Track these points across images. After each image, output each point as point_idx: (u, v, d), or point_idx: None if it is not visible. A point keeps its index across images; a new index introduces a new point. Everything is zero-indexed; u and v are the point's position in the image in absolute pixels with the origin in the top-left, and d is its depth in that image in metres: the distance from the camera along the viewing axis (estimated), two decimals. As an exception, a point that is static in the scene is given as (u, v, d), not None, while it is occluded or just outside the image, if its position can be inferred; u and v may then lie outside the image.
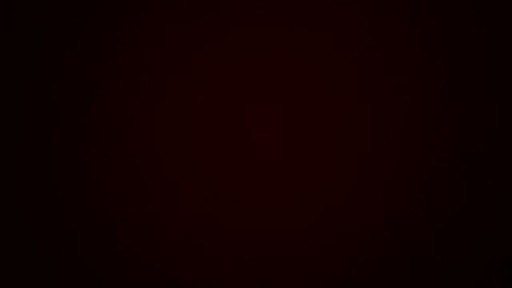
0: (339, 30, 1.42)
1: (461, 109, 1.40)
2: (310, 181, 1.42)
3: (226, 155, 1.43)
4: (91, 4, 1.45)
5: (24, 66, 1.46)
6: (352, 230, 1.40)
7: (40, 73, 1.45)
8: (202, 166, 1.43)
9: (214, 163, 1.43)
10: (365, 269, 1.40)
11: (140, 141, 1.44)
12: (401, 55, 1.41)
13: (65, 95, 1.45)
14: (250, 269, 1.42)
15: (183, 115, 1.44)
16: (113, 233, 1.43)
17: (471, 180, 1.39)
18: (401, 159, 1.41)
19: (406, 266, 1.40)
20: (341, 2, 1.42)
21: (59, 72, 1.46)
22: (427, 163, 1.40)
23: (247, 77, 1.43)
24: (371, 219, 1.40)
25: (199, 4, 1.44)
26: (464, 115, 1.40)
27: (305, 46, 1.42)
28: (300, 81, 1.42)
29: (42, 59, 1.46)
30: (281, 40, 1.43)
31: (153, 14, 1.45)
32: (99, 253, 1.44)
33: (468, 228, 1.39)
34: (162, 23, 1.44)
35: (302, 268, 1.41)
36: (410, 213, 1.40)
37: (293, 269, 1.41)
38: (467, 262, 1.39)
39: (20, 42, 1.46)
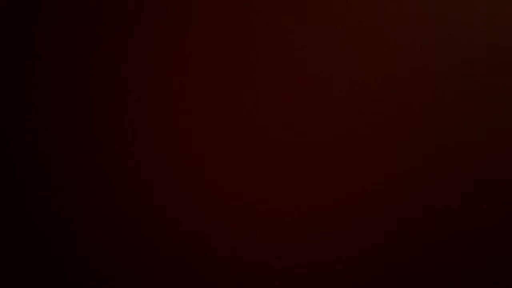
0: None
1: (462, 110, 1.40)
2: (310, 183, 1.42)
3: (233, 155, 1.43)
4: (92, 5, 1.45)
5: (24, 65, 1.46)
6: (354, 230, 1.40)
7: (41, 71, 1.45)
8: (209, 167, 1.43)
9: (219, 165, 1.43)
10: (366, 267, 1.40)
11: (142, 140, 1.44)
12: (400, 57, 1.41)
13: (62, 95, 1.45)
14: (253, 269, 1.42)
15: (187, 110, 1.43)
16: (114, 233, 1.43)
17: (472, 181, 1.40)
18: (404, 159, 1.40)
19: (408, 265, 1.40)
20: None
21: (59, 70, 1.45)
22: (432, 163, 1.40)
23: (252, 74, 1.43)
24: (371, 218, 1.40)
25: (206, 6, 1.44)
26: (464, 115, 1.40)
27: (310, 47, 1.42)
28: (304, 85, 1.42)
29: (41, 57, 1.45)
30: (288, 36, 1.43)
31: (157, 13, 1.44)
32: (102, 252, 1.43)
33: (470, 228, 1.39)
34: (165, 22, 1.44)
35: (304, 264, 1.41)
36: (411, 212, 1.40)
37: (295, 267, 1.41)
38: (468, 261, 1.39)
39: (20, 42, 1.46)
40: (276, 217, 1.41)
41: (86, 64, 1.44)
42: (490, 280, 1.38)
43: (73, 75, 1.44)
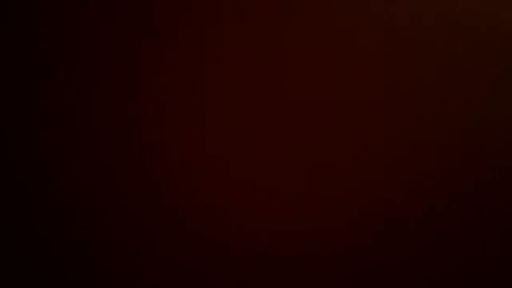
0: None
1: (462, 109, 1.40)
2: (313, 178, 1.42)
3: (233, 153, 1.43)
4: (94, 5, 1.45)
5: (26, 65, 1.46)
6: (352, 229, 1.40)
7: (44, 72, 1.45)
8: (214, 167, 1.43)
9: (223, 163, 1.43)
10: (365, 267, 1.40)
11: (148, 138, 1.44)
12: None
13: (65, 95, 1.45)
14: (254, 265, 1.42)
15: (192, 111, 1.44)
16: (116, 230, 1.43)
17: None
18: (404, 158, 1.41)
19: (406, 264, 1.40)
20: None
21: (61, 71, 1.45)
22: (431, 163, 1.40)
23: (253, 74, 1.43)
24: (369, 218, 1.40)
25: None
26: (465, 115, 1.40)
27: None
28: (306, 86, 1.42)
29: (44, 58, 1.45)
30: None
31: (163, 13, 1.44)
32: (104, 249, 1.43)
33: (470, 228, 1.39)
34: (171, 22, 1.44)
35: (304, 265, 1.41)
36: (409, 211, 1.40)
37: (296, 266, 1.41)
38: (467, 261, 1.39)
39: (21, 42, 1.46)
40: (276, 217, 1.41)
41: (89, 63, 1.44)
42: (490, 280, 1.38)
43: (74, 74, 1.45)
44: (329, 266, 1.40)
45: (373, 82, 1.40)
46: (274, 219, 1.41)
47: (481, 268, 1.38)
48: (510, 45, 1.39)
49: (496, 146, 1.39)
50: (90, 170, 1.43)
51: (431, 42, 1.40)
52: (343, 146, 1.40)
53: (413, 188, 1.39)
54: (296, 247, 1.40)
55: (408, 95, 1.40)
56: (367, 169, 1.40)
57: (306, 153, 1.41)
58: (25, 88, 1.45)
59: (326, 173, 1.40)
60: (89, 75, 1.44)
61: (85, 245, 1.43)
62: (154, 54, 1.43)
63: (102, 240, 1.42)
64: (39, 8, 1.45)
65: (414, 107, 1.40)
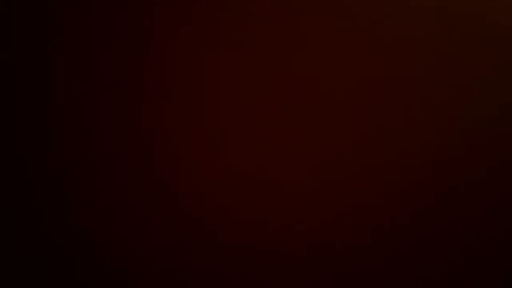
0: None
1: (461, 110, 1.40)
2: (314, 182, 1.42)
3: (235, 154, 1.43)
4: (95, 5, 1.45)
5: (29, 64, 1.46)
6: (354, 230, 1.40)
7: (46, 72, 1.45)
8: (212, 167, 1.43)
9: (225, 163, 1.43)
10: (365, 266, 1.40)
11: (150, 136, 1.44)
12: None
13: (69, 93, 1.45)
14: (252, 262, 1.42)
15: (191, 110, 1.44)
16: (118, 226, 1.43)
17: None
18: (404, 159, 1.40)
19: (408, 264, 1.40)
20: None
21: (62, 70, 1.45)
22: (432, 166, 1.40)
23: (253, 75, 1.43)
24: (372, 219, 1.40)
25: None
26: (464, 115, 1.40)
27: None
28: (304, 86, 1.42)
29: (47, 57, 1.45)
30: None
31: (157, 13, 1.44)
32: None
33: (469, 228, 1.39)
34: (169, 22, 1.44)
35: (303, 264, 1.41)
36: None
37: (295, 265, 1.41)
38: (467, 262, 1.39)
39: (23, 41, 1.46)
40: (276, 217, 1.41)
41: (90, 63, 1.44)
42: (489, 279, 1.38)
43: (75, 74, 1.45)
44: (330, 265, 1.40)
45: (372, 81, 1.40)
46: (274, 219, 1.41)
47: (480, 267, 1.38)
48: (510, 44, 1.39)
49: (496, 145, 1.38)
50: (91, 170, 1.43)
51: (429, 41, 1.40)
52: (343, 146, 1.40)
53: (412, 187, 1.39)
54: (296, 246, 1.40)
55: (408, 94, 1.40)
56: (367, 168, 1.40)
57: (306, 153, 1.41)
58: (25, 87, 1.45)
59: (326, 173, 1.40)
60: (90, 74, 1.44)
61: (85, 245, 1.43)
62: (154, 54, 1.43)
63: (103, 240, 1.42)
64: (39, 7, 1.45)
65: (413, 107, 1.40)
